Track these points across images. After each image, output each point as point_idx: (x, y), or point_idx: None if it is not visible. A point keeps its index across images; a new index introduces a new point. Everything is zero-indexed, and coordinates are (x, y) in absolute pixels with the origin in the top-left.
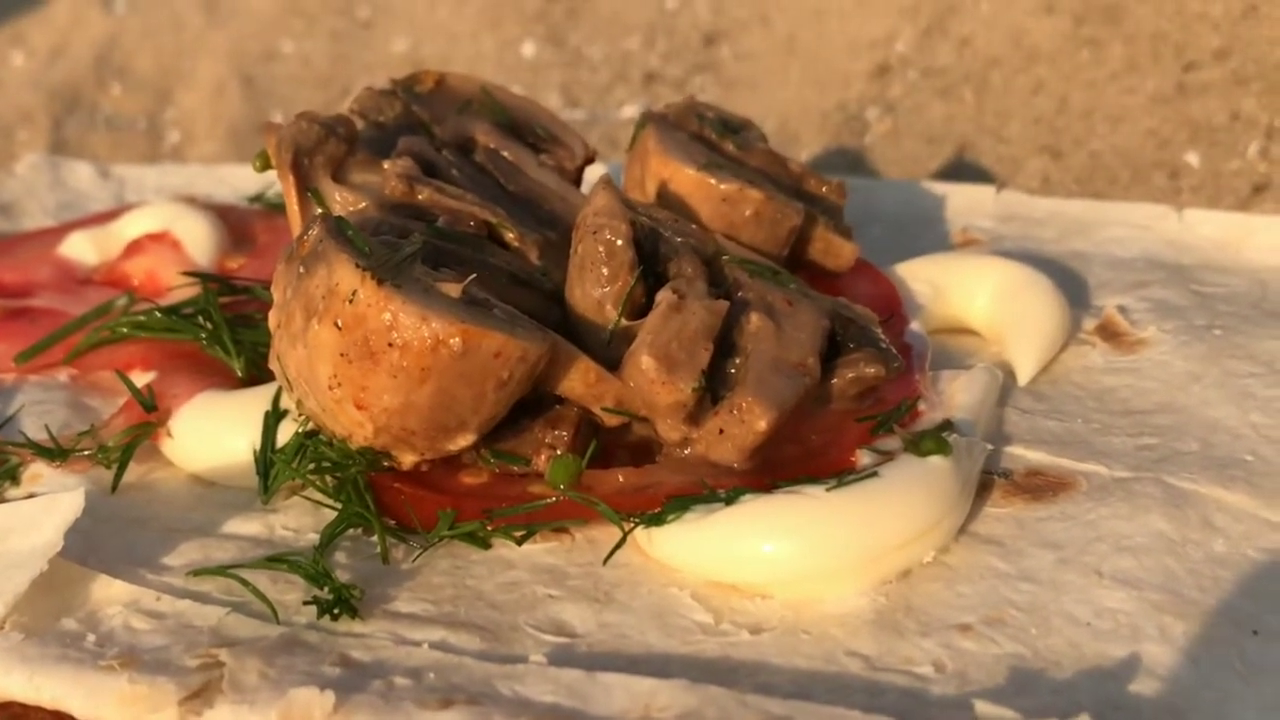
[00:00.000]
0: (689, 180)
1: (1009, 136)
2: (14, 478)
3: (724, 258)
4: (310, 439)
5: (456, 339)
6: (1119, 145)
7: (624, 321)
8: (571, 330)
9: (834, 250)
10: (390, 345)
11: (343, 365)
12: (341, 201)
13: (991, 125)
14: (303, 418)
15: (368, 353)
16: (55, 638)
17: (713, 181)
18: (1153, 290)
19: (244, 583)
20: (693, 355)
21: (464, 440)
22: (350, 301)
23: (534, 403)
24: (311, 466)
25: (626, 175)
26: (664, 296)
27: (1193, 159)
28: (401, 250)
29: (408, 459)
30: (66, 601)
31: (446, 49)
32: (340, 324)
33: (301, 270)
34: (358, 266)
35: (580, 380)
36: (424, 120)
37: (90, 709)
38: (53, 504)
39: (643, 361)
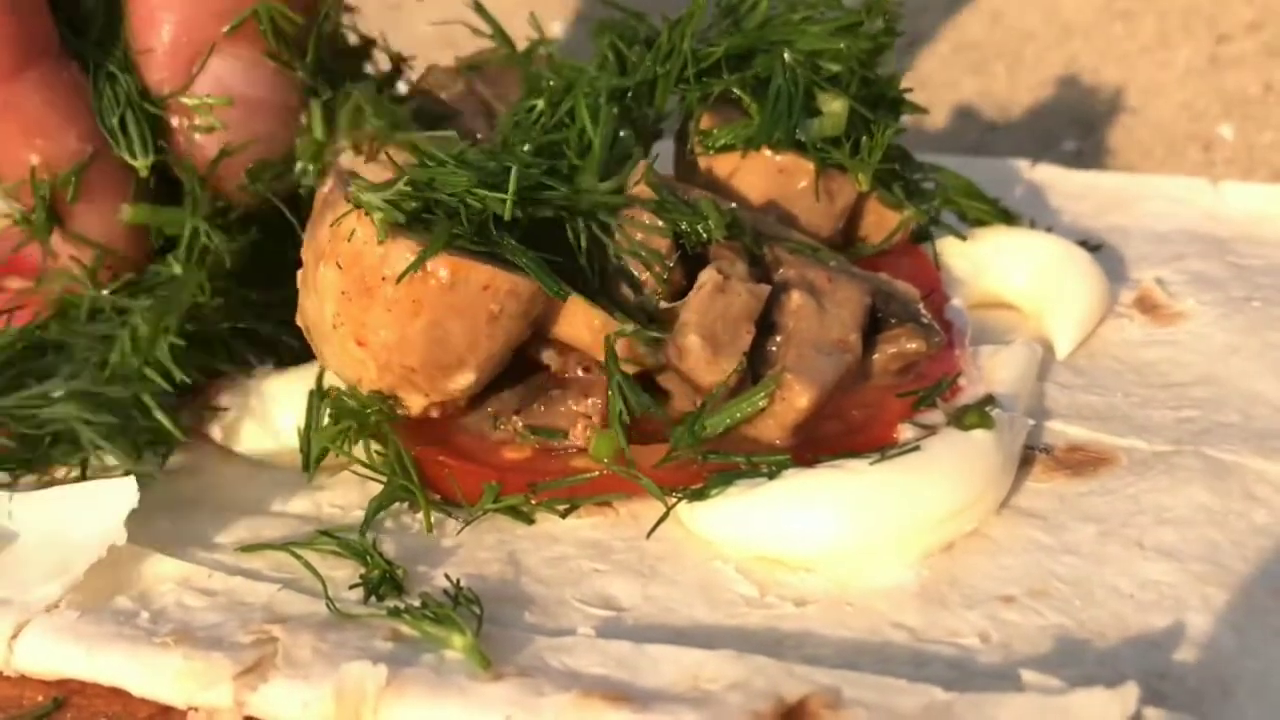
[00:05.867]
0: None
1: (1042, 111)
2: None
3: (764, 235)
4: (336, 394)
5: (445, 270)
6: (1152, 119)
7: (663, 304)
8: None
9: (887, 224)
10: (383, 279)
11: (344, 303)
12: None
13: (1024, 100)
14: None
15: (365, 288)
16: (110, 616)
17: (768, 152)
18: (1190, 263)
19: (297, 557)
20: (736, 336)
21: (464, 378)
22: (349, 240)
23: (563, 375)
24: (338, 414)
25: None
26: (708, 277)
27: (1226, 131)
28: (395, 185)
29: (415, 401)
30: (120, 580)
31: (475, 29)
32: (341, 263)
33: (316, 221)
34: (355, 206)
35: (585, 325)
36: (486, 98)
37: (147, 685)
38: (106, 490)
39: (689, 341)
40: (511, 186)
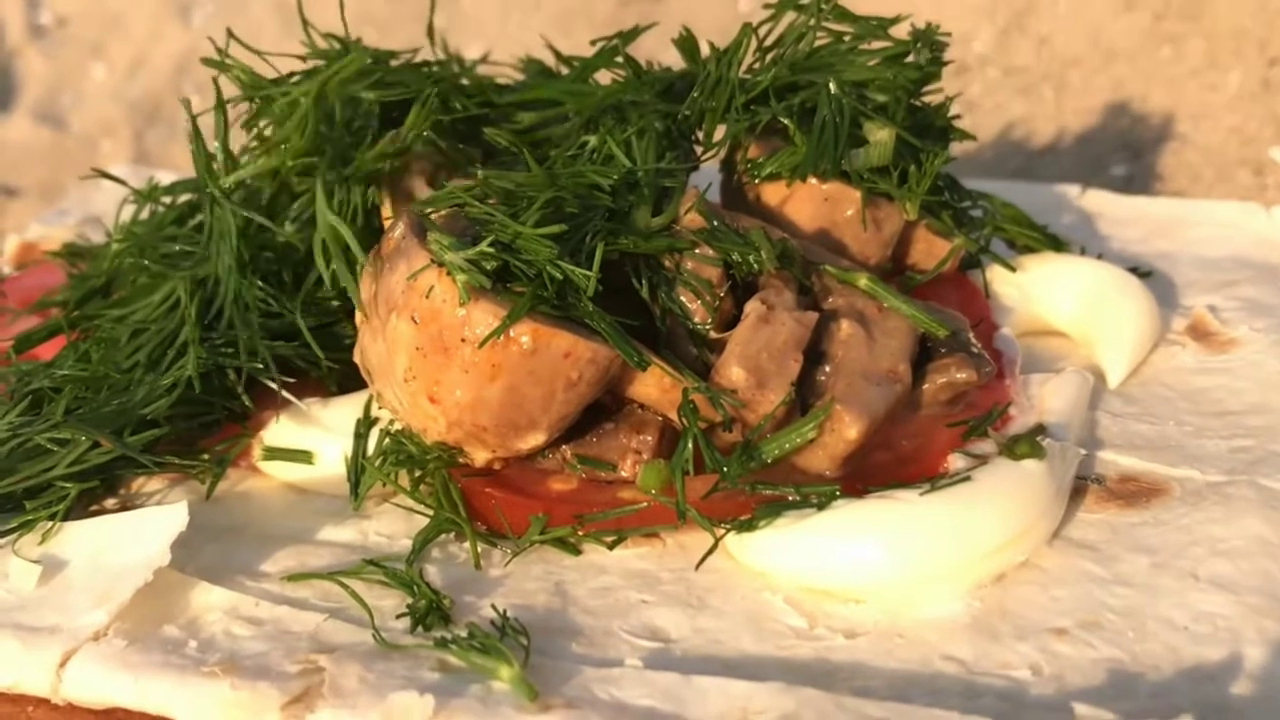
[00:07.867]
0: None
1: (1090, 136)
2: (110, 487)
3: (813, 264)
4: (394, 436)
5: (526, 337)
6: (1202, 142)
7: (714, 334)
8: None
9: (936, 252)
10: (463, 340)
11: (418, 359)
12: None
13: (1072, 124)
14: (391, 420)
15: (441, 347)
16: (158, 644)
17: (814, 180)
18: (1242, 289)
19: (343, 586)
20: (782, 366)
21: (534, 439)
22: (427, 297)
23: (617, 408)
24: (394, 460)
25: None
26: (752, 307)
27: (1278, 155)
28: (479, 246)
29: (480, 455)
30: (167, 608)
31: (518, 56)
32: (417, 318)
33: (386, 266)
34: (435, 263)
35: (655, 385)
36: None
37: (194, 714)
38: (156, 517)
39: (733, 373)
40: (595, 266)
